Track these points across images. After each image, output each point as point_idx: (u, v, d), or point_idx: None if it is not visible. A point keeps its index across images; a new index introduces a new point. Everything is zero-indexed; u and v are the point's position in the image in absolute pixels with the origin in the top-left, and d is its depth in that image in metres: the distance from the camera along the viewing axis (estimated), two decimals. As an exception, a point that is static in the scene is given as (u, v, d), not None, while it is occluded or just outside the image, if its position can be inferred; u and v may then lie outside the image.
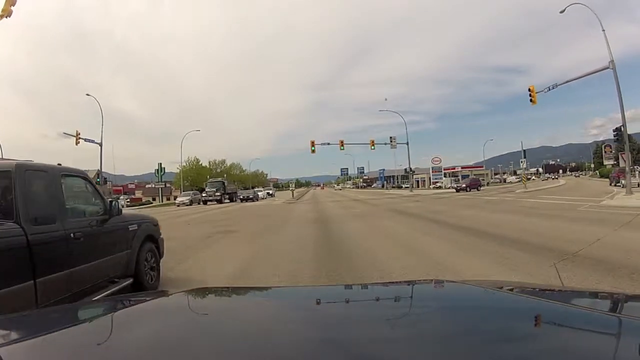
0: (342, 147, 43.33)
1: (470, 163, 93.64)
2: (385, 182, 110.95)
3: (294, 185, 38.89)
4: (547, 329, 0.83)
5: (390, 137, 46.81)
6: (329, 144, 44.22)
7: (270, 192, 51.34)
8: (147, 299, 1.33)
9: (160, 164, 58.75)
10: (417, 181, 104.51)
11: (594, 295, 1.37)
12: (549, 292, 1.40)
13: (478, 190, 38.95)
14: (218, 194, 39.39)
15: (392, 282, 2.68)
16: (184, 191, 44.98)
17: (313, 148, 42.36)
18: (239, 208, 28.78)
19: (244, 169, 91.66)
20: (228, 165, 79.60)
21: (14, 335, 0.90)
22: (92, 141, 40.70)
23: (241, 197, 39.87)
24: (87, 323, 1.01)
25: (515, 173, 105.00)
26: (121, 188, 70.98)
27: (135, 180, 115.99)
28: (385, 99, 50.47)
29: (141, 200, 64.21)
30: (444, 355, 0.70)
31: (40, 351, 0.77)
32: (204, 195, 40.12)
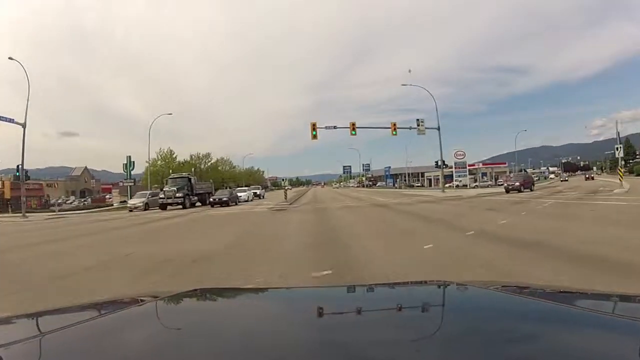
0: (353, 132, 31.96)
1: (474, 161, 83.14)
2: (392, 180, 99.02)
3: (286, 183, 27.16)
4: (548, 330, 0.80)
5: (418, 120, 35.31)
6: (335, 127, 32.73)
7: (258, 192, 39.67)
8: (146, 300, 1.27)
9: (130, 157, 47.70)
10: (430, 180, 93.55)
11: (595, 296, 1.34)
12: (550, 293, 1.35)
13: (531, 190, 29.66)
14: (180, 195, 27.94)
15: (393, 283, 2.48)
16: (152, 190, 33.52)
17: (314, 132, 30.93)
18: (190, 220, 17.30)
19: (234, 165, 79.63)
20: (214, 160, 67.62)
21: (13, 336, 0.88)
22: (10, 120, 29.25)
23: (211, 199, 28.27)
24: (85, 325, 0.96)
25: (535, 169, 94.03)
26: (110, 186, 63.92)
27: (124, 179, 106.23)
28: (409, 71, 36.58)
29: (104, 201, 53.41)
30: (446, 357, 0.70)
31: (39, 353, 0.77)
32: (160, 197, 28.63)
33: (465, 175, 65.42)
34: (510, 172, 75.20)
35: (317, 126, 31.31)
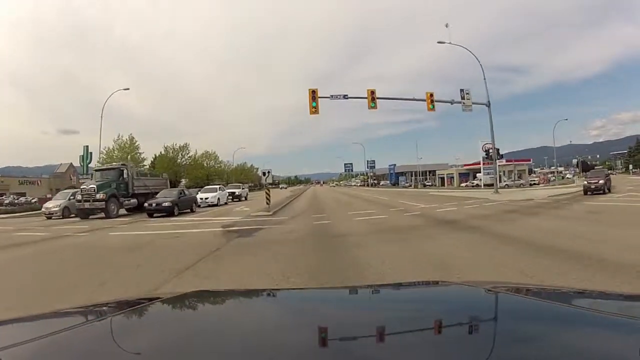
0: (372, 104, 21.54)
1: (471, 161, 73.40)
2: (404, 179, 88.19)
3: (267, 179, 16.54)
4: (548, 330, 0.79)
5: (462, 91, 24.90)
6: (345, 96, 22.22)
7: (237, 191, 28.68)
8: (146, 302, 1.23)
9: (87, 147, 37.42)
10: (442, 178, 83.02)
11: (595, 295, 1.35)
12: (550, 293, 1.33)
13: (608, 190, 21.49)
14: (101, 196, 17.52)
15: (393, 284, 2.32)
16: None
17: (314, 104, 20.50)
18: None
19: (220, 160, 68.59)
20: (194, 153, 56.75)
21: (13, 338, 0.86)
22: None
23: (146, 205, 17.60)
24: (85, 327, 0.95)
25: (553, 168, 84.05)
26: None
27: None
28: (447, 25, 26.19)
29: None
30: (446, 357, 0.70)
31: (39, 355, 0.77)
32: (77, 200, 18.26)
33: (494, 172, 55.29)
34: (531, 170, 64.88)
35: (320, 95, 20.94)
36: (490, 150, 52.94)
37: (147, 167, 53.14)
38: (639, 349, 0.60)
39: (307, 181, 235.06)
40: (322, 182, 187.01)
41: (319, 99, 20.43)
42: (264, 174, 17.77)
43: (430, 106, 22.79)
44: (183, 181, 54.96)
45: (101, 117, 36.67)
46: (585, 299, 1.20)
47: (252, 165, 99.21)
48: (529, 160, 75.91)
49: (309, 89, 20.28)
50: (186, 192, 19.79)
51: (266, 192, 16.93)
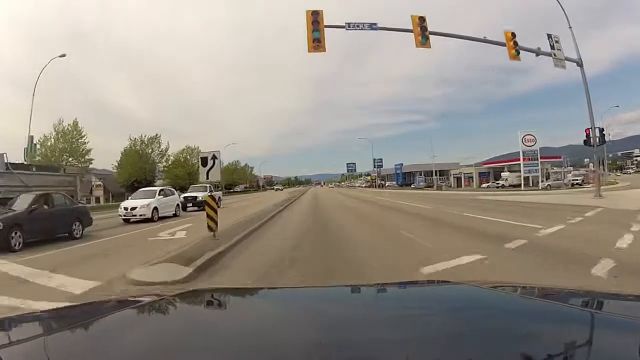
0: (422, 39, 12.23)
1: (472, 162, 65.04)
2: (404, 179, 78.35)
3: (211, 173, 7.34)
4: (548, 330, 0.80)
5: (551, 38, 15.62)
6: (373, 26, 12.88)
7: (201, 196, 19.68)
8: (147, 300, 1.23)
9: (32, 137, 29.66)
10: (457, 178, 73.44)
11: (595, 296, 1.30)
12: (550, 293, 1.32)
13: None
14: None
15: (393, 283, 2.21)
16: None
17: (316, 34, 11.14)
18: None
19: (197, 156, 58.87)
20: (166, 146, 45.76)
21: (13, 336, 0.87)
22: None
23: None
24: (85, 325, 0.95)
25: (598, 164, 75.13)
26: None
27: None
28: None
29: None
30: (444, 356, 0.70)
31: (39, 353, 0.77)
32: None
33: (537, 170, 45.83)
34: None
35: (327, 24, 11.68)
36: (526, 146, 43.85)
37: (113, 165, 44.04)
38: (638, 349, 0.60)
39: (307, 182, 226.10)
40: (322, 183, 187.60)
41: (325, 29, 11.30)
42: (203, 161, 8.60)
43: (515, 52, 13.56)
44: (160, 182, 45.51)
45: (33, 94, 28.08)
46: (585, 299, 1.18)
47: (246, 164, 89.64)
48: (560, 158, 66.47)
49: (307, 11, 11.18)
50: (47, 198, 9.84)
51: (209, 211, 7.87)
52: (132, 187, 40.02)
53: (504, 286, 1.37)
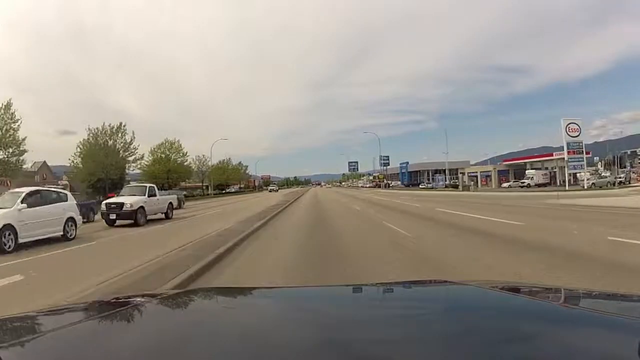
0: None
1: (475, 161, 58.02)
2: (442, 179, 70.64)
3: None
4: (548, 330, 0.80)
5: None
6: None
7: (130, 203, 11.60)
8: (146, 299, 1.22)
9: None
10: (476, 177, 66.14)
11: (594, 295, 1.33)
12: (550, 293, 1.31)
13: None
14: None
15: (393, 283, 2.26)
16: None
17: None
18: None
19: (185, 152, 50.62)
20: (131, 136, 37.00)
21: (13, 336, 0.87)
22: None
23: None
24: (84, 324, 0.95)
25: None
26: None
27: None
28: None
29: None
30: (445, 356, 0.70)
31: (38, 352, 0.76)
32: None
33: (582, 166, 38.53)
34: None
35: None
36: (570, 137, 36.58)
37: (76, 162, 36.60)
38: (638, 349, 0.60)
39: (306, 182, 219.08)
40: (322, 183, 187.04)
41: None
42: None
43: None
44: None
45: None
46: (584, 299, 1.19)
47: (240, 162, 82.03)
48: (588, 154, 59.32)
49: None
50: None
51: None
52: (94, 187, 32.96)
53: (504, 286, 1.36)
